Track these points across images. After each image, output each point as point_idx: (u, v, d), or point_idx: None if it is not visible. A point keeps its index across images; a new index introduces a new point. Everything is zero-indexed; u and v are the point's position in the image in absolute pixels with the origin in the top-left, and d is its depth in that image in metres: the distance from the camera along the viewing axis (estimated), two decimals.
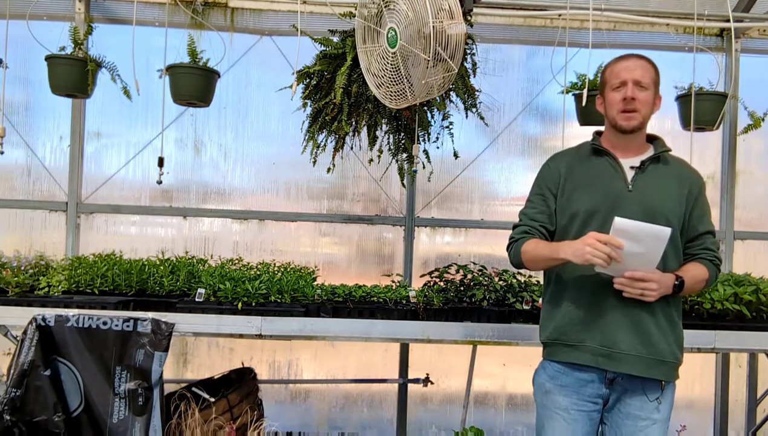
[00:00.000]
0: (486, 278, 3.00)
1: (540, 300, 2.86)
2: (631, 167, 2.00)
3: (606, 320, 1.94)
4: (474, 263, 3.18)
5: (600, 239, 1.80)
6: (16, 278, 2.77)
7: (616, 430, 1.97)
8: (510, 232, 2.14)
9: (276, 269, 3.09)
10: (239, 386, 2.99)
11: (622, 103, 1.96)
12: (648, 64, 2.00)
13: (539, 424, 2.08)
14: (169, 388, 2.79)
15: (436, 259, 3.90)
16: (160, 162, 3.21)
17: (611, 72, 2.02)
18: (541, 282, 3.07)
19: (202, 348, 3.80)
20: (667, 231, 1.81)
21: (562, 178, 2.05)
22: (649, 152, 2.04)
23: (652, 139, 2.08)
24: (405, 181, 3.28)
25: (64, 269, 2.90)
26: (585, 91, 3.13)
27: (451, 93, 2.87)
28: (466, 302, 2.89)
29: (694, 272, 1.98)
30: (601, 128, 2.14)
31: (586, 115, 3.25)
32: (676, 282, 1.91)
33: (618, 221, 1.80)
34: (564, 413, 1.98)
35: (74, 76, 3.08)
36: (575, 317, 1.98)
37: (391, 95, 2.53)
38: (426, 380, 3.75)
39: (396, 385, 3.83)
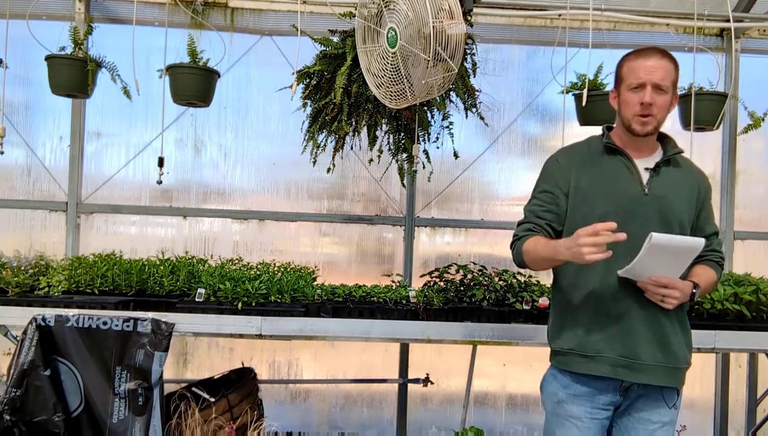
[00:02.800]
0: (486, 278, 3.00)
1: (540, 300, 2.86)
2: (646, 169, 1.94)
3: (627, 329, 1.88)
4: (474, 263, 3.18)
5: (589, 233, 1.65)
6: (16, 278, 2.77)
7: (625, 433, 1.95)
8: (512, 230, 2.04)
9: (276, 269, 3.09)
10: (239, 386, 2.99)
11: (639, 107, 1.86)
12: (669, 63, 1.88)
13: (549, 430, 2.03)
14: (169, 388, 2.79)
15: (436, 259, 3.90)
16: (160, 162, 3.21)
17: (630, 69, 1.89)
18: (542, 282, 3.09)
19: (202, 348, 3.80)
20: (701, 243, 1.76)
21: (575, 176, 1.95)
22: (659, 150, 1.99)
23: (660, 137, 2.01)
24: (405, 181, 3.28)
25: (64, 269, 2.90)
26: (585, 91, 3.13)
27: (451, 93, 2.87)
28: (466, 302, 2.88)
29: (706, 276, 1.96)
30: (611, 124, 2.06)
31: (586, 115, 3.25)
32: (694, 290, 1.88)
33: (655, 237, 1.71)
34: (577, 422, 1.94)
35: (74, 76, 3.07)
36: (594, 327, 1.90)
37: (391, 95, 2.53)
38: (426, 380, 3.75)
39: (396, 385, 3.82)
